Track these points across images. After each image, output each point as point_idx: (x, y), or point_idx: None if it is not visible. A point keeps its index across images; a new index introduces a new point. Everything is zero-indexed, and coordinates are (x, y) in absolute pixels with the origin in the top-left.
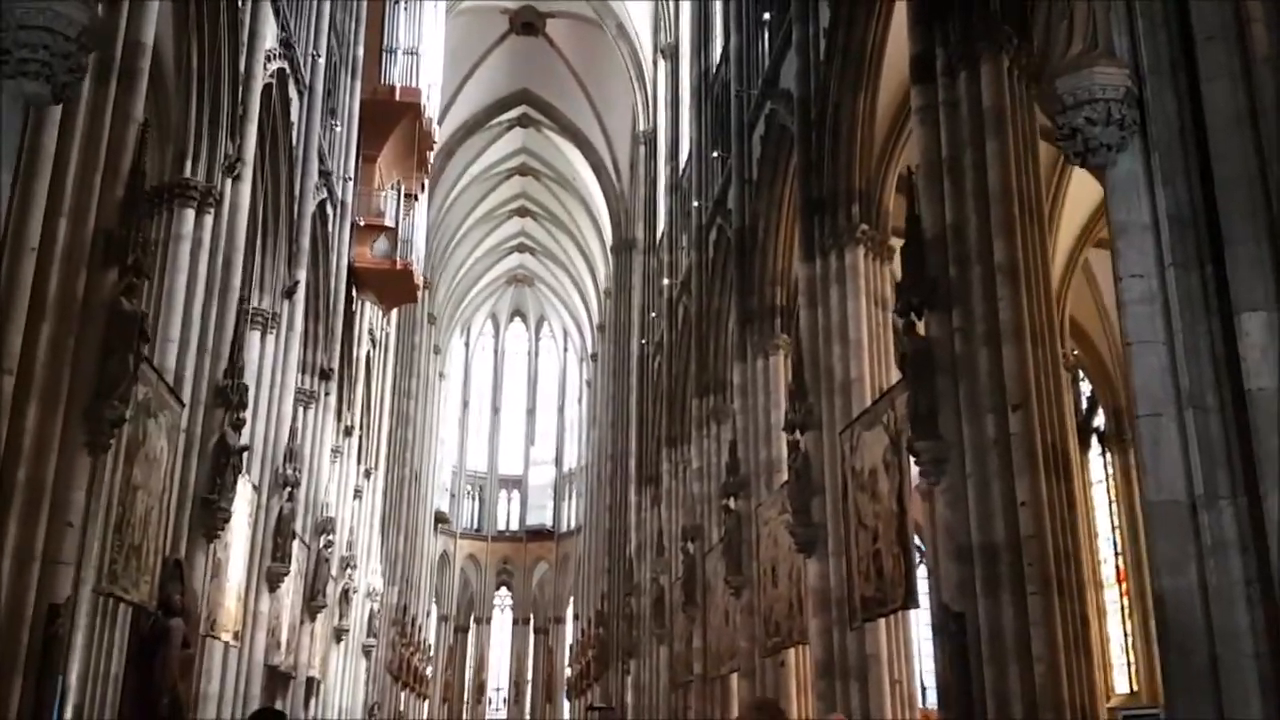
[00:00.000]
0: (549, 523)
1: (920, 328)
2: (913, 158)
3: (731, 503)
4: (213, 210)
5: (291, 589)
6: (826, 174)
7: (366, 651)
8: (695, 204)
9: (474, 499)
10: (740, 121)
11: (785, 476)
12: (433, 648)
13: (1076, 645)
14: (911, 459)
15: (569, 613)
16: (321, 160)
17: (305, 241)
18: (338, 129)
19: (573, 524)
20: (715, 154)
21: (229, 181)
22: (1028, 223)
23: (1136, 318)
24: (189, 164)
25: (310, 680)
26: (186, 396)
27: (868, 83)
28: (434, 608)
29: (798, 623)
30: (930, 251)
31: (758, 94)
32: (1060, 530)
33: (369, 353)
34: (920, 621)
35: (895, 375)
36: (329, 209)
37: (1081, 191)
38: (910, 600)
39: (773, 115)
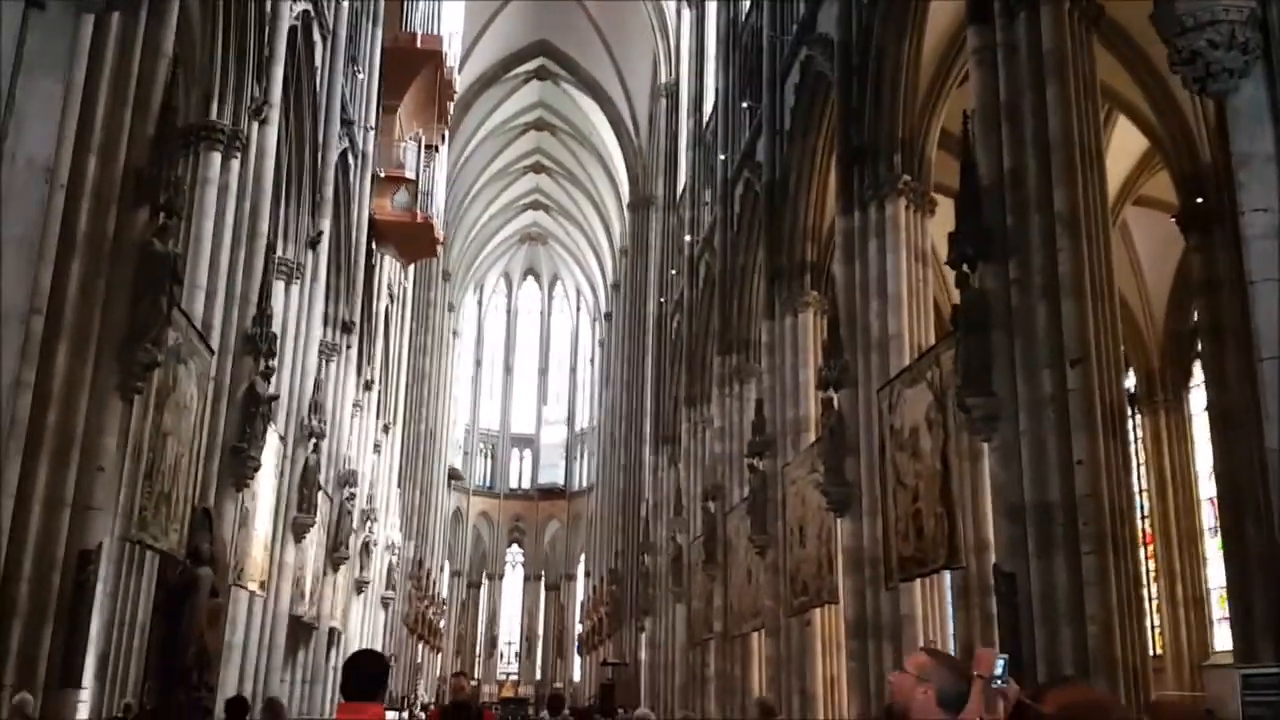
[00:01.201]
0: (561, 482)
1: (974, 280)
2: (964, 104)
3: (757, 462)
4: (239, 154)
5: (315, 540)
6: (868, 123)
7: (385, 604)
8: (721, 157)
9: (487, 457)
10: (773, 70)
11: (813, 436)
12: (446, 602)
13: (1129, 606)
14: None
15: (580, 570)
16: (344, 109)
17: (328, 191)
18: (360, 76)
19: (584, 483)
20: (745, 104)
21: (255, 125)
22: (1088, 171)
23: (1260, 254)
24: (215, 106)
25: (332, 631)
26: (215, 344)
27: (913, 27)
28: (447, 563)
29: (827, 582)
30: (986, 200)
31: (792, 40)
32: (1116, 489)
33: (387, 307)
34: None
35: (934, 333)
36: (350, 159)
37: (1122, 145)
38: (954, 560)
39: (809, 62)
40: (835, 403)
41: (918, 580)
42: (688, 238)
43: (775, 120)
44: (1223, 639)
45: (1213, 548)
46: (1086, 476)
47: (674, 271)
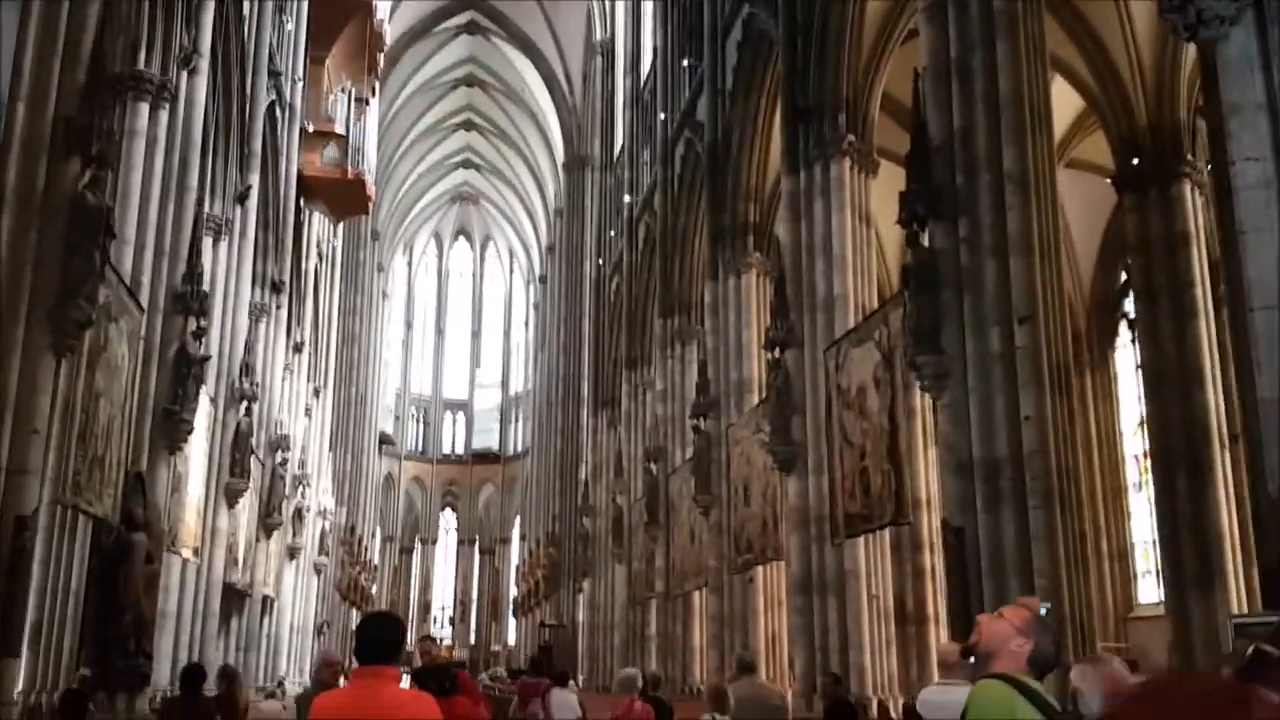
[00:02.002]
0: (495, 446)
1: (924, 239)
2: (906, 65)
3: (701, 423)
4: (168, 105)
5: (247, 506)
6: (812, 82)
7: (318, 570)
8: (661, 116)
9: (419, 421)
10: (714, 27)
11: (757, 397)
12: (378, 568)
13: (1076, 560)
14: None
15: (515, 534)
16: (271, 60)
17: (257, 145)
18: (288, 26)
19: (519, 447)
20: (685, 62)
21: (184, 75)
22: (1037, 131)
23: (1250, 204)
24: (142, 56)
25: (265, 598)
26: (145, 302)
27: None
28: (379, 529)
29: (772, 540)
30: (936, 159)
31: None
32: (1062, 445)
33: (316, 267)
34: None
35: (878, 294)
36: (278, 112)
37: (1055, 108)
38: (900, 515)
39: (751, 19)
40: (782, 363)
41: (861, 537)
42: (626, 198)
43: (717, 79)
44: (1145, 592)
45: (1137, 503)
46: (1034, 433)
47: (612, 233)
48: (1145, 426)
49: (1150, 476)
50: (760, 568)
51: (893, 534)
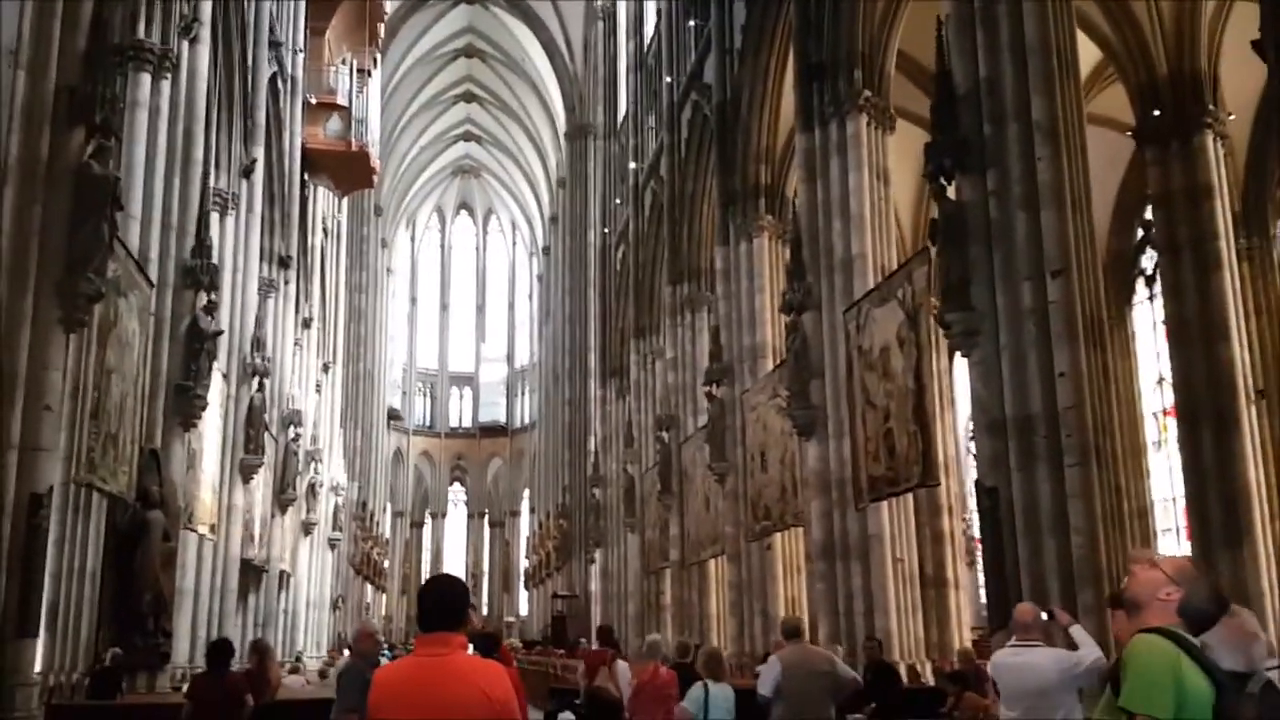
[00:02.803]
0: (502, 419)
1: (951, 192)
2: (919, 21)
3: (715, 390)
4: (170, 75)
5: (262, 482)
6: (827, 37)
7: (332, 545)
8: (667, 80)
9: (425, 396)
10: None
11: (771, 362)
12: (390, 543)
13: (1112, 517)
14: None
15: (524, 507)
16: (272, 31)
17: (260, 117)
18: None
19: (527, 420)
20: (692, 23)
21: (185, 44)
22: (1065, 79)
23: None
24: (142, 25)
25: (282, 574)
26: (154, 276)
27: None
28: (389, 504)
29: (791, 505)
30: (962, 109)
31: None
32: (1097, 401)
33: (322, 243)
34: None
35: (896, 253)
36: (280, 84)
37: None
38: (929, 477)
39: None
40: (800, 325)
41: (885, 501)
42: (632, 165)
43: (724, 38)
44: (1166, 549)
45: (1155, 461)
46: (1069, 388)
47: (618, 201)
48: (1165, 383)
49: (1169, 434)
50: (779, 534)
51: (912, 498)
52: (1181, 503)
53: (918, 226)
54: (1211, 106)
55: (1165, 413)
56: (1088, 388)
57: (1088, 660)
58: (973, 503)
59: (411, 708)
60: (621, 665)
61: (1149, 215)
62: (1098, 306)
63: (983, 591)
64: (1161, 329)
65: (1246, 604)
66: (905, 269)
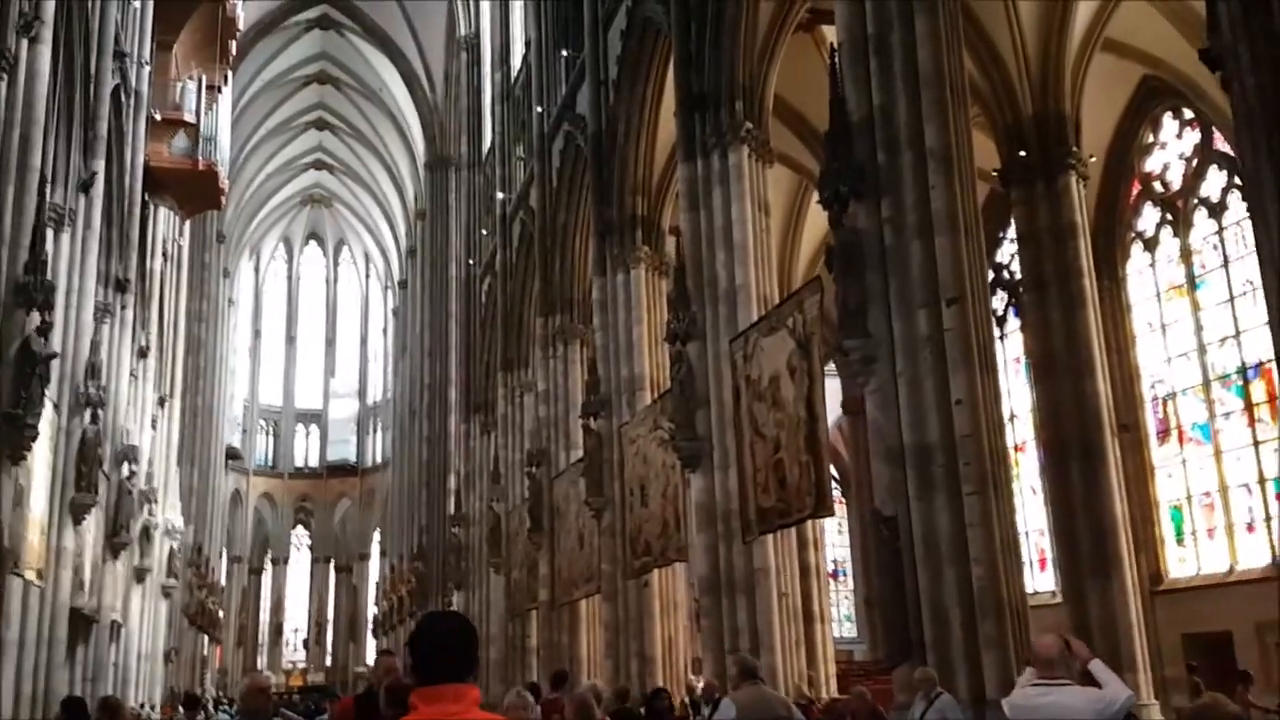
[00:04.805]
0: (352, 457)
1: (846, 220)
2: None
3: (592, 423)
4: (7, 76)
5: (94, 524)
6: (708, 68)
7: (166, 593)
8: (537, 110)
9: (268, 434)
10: (594, 17)
11: (650, 394)
12: (225, 590)
13: (1008, 547)
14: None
15: (374, 550)
16: (117, 40)
17: (102, 129)
18: (134, 4)
19: (379, 458)
20: (565, 53)
21: (25, 43)
22: (956, 108)
23: None
24: None
25: (113, 624)
26: None
27: None
28: (225, 549)
29: (673, 540)
30: (857, 137)
31: None
32: (993, 429)
33: (162, 267)
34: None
35: (779, 283)
36: (123, 97)
37: None
38: (821, 508)
39: (637, 6)
40: (685, 355)
41: (770, 534)
42: (499, 195)
43: (599, 69)
44: (1031, 581)
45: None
46: (966, 416)
47: (484, 232)
48: (1026, 416)
49: (1022, 469)
50: (656, 572)
51: (795, 531)
52: (1041, 535)
53: (784, 261)
54: (1075, 148)
55: (1016, 448)
56: (983, 415)
57: (1121, 699)
58: (831, 536)
59: None
60: None
61: (999, 257)
62: (990, 335)
63: (839, 625)
64: (1013, 365)
65: (1116, 636)
66: (796, 297)
